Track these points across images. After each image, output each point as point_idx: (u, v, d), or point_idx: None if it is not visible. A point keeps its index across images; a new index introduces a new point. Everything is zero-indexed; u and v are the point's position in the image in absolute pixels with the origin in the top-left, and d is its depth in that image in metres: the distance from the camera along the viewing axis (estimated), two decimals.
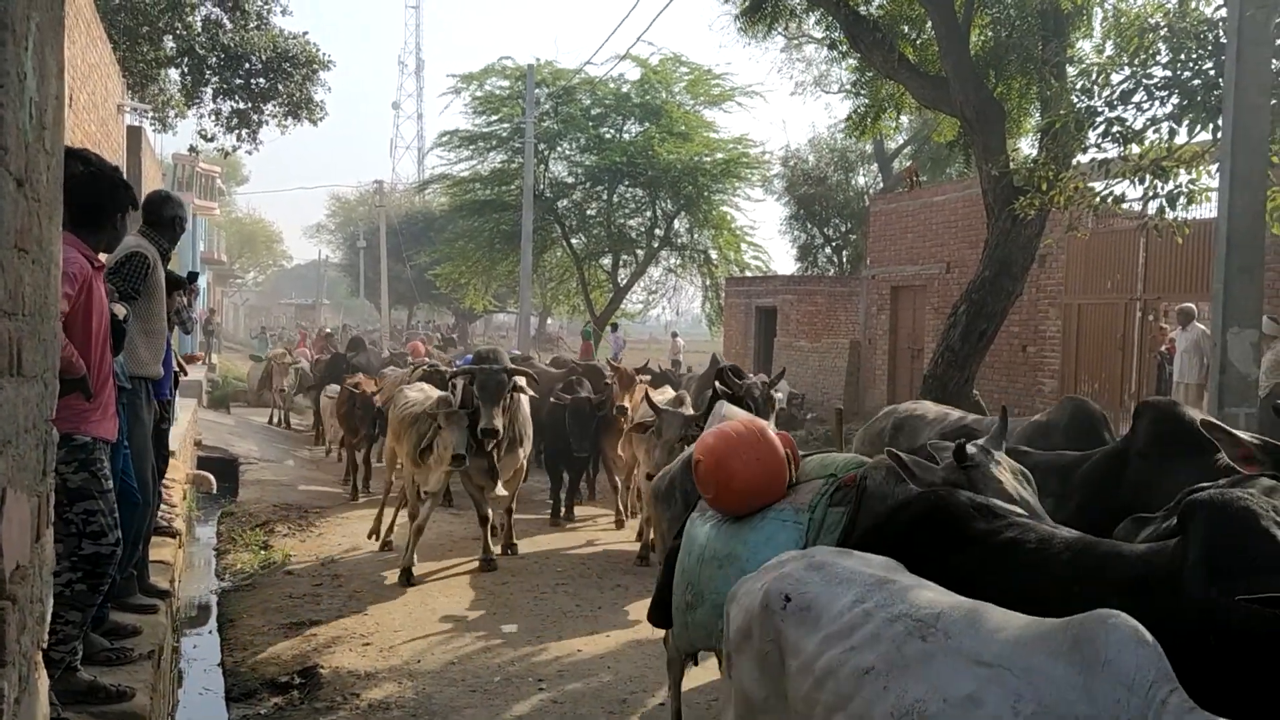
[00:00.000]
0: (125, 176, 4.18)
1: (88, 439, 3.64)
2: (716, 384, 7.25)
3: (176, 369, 6.28)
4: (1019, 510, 3.24)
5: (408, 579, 8.09)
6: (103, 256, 4.07)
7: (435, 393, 8.83)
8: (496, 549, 8.81)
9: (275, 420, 19.94)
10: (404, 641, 6.77)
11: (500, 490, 8.50)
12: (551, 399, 10.45)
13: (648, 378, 11.26)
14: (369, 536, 9.54)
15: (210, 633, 7.54)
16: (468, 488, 8.83)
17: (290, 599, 7.80)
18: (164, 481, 7.07)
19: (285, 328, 50.39)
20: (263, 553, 9.13)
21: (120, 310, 4.05)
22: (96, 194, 3.75)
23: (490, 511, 8.71)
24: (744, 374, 7.94)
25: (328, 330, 34.88)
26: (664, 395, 9.38)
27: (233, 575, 8.77)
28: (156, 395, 5.22)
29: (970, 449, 3.60)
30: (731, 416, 4.61)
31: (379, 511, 9.62)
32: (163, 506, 7.04)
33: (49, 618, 2.20)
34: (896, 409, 7.78)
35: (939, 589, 2.68)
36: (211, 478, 10.51)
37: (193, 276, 5.56)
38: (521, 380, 8.63)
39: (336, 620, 7.23)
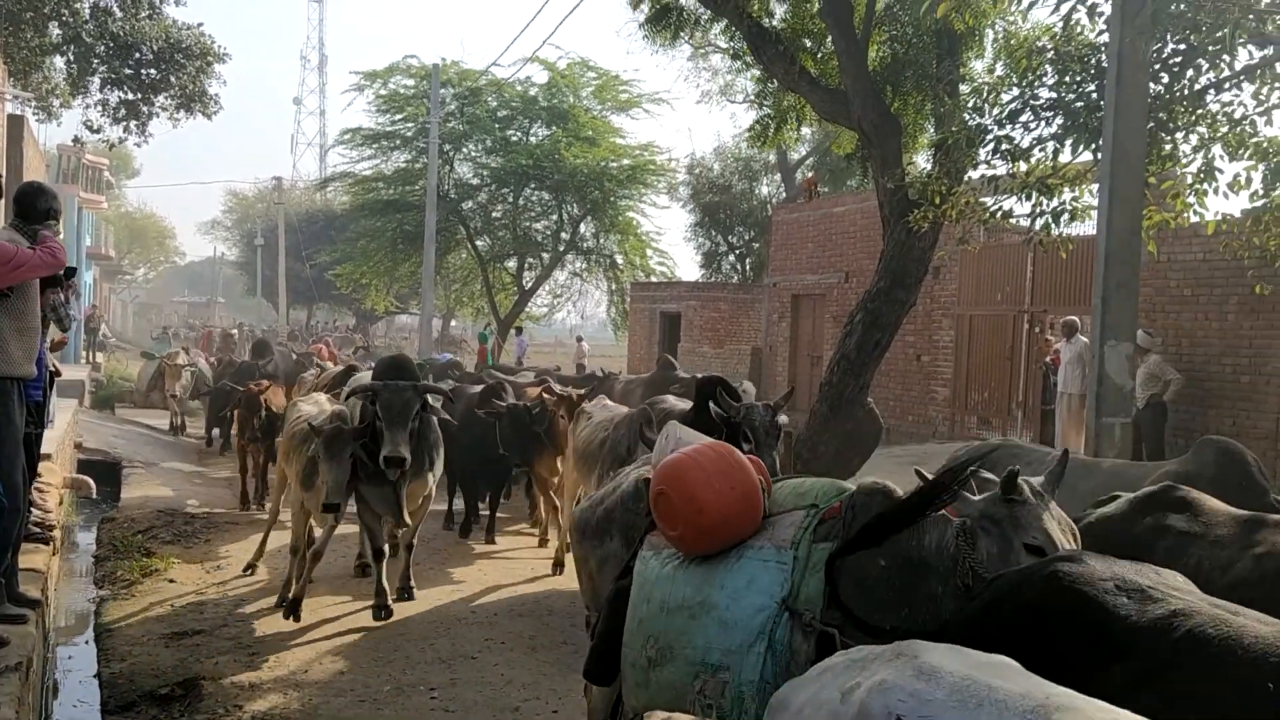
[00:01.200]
0: (3, 167, 4.01)
1: None
2: (711, 405, 6.13)
3: (51, 368, 6.03)
4: (1176, 586, 2.61)
5: (294, 612, 7.07)
6: None
7: (330, 406, 7.92)
8: (393, 592, 7.51)
9: (173, 426, 18.33)
10: (291, 650, 6.63)
11: (406, 520, 7.32)
12: (477, 409, 9.64)
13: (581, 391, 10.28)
14: (245, 570, 8.46)
15: (87, 643, 7.26)
16: (363, 516, 7.52)
17: (172, 608, 7.57)
18: (38, 485, 6.78)
19: (192, 327, 48.19)
20: (144, 560, 8.81)
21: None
22: None
23: (387, 547, 7.43)
24: (738, 392, 6.69)
25: (230, 330, 33.49)
26: (601, 406, 8.70)
27: (112, 583, 8.44)
28: (28, 396, 5.00)
29: (1022, 482, 3.18)
30: (686, 439, 4.05)
31: (263, 537, 8.69)
32: (36, 512, 6.74)
33: None
34: (995, 443, 7.06)
35: None
36: (91, 482, 10.10)
37: (70, 272, 5.34)
38: (435, 399, 7.57)
39: (221, 629, 7.04)
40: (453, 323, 46.09)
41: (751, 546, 3.47)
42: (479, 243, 28.22)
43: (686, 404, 7.49)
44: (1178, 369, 11.90)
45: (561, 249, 28.26)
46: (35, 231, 4.93)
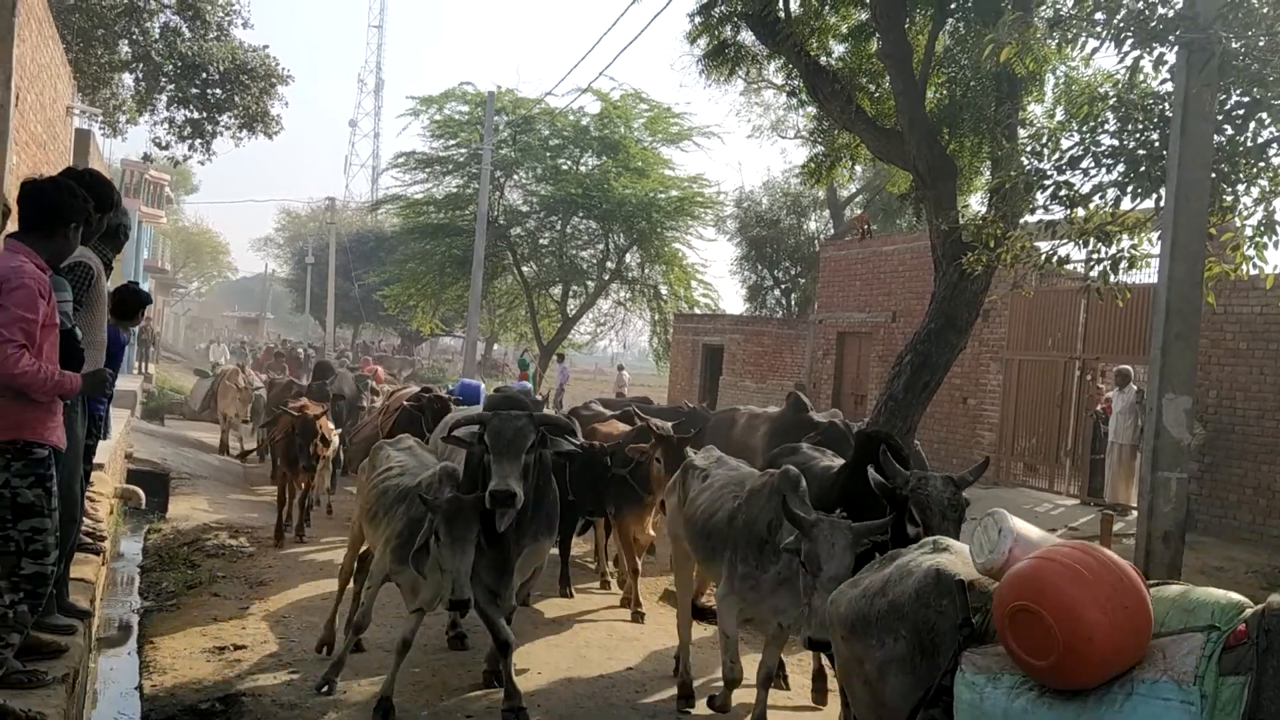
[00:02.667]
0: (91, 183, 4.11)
1: (47, 451, 3.53)
2: (871, 472, 5.15)
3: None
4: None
5: (385, 715, 5.71)
6: None
7: (428, 458, 6.70)
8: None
9: (223, 445, 17.04)
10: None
11: (510, 596, 6.08)
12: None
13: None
14: (318, 649, 6.88)
15: (129, 654, 7.30)
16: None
17: (215, 622, 7.60)
18: (90, 495, 6.88)
19: (242, 341, 48.43)
20: (189, 572, 8.89)
21: (78, 330, 3.97)
22: (54, 204, 3.66)
23: (510, 634, 5.92)
24: (903, 449, 5.60)
25: (274, 347, 33.18)
26: (716, 460, 6.92)
27: (156, 594, 8.52)
28: (92, 408, 5.09)
29: None
30: (1022, 533, 3.31)
31: (333, 609, 7.06)
32: (87, 521, 6.83)
33: None
34: None
35: None
36: (140, 492, 10.23)
37: (144, 299, 5.70)
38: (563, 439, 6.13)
39: (262, 645, 7.06)
40: (495, 346, 46.39)
41: (1140, 680, 2.79)
42: (525, 269, 28.44)
43: (830, 459, 6.77)
44: (1231, 422, 11.71)
45: (607, 278, 28.40)
46: (110, 259, 5.04)
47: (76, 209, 3.89)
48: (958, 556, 3.64)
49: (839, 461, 6.68)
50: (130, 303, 6.22)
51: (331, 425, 11.40)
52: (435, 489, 5.72)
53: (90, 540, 6.78)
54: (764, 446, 10.01)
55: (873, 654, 3.60)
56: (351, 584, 7.05)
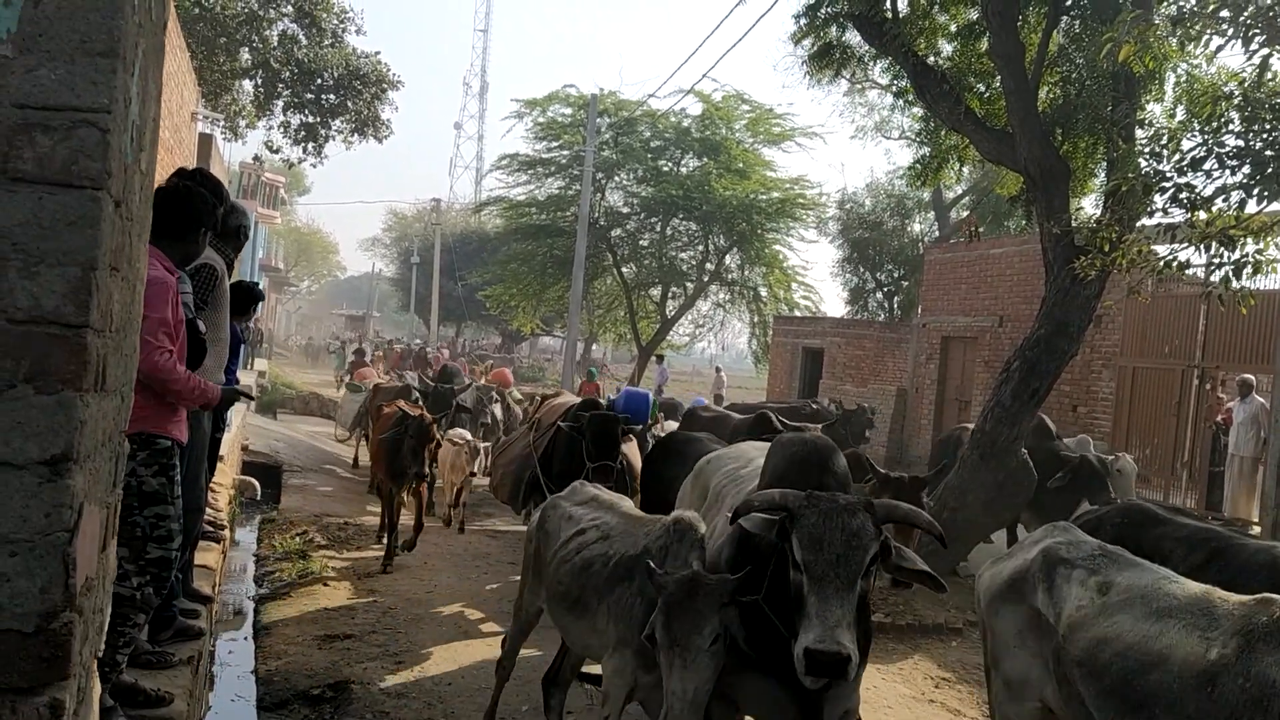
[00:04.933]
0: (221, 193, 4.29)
1: (169, 442, 3.71)
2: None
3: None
4: None
5: None
6: None
7: (626, 504, 5.08)
8: None
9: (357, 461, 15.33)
10: (435, 663, 6.78)
11: None
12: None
13: None
14: None
15: (245, 639, 7.60)
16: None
17: (325, 611, 7.85)
18: (211, 485, 7.18)
19: (374, 339, 48.37)
20: (301, 562, 9.20)
21: (202, 325, 4.15)
22: (188, 209, 3.84)
23: None
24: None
25: (407, 347, 31.28)
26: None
27: (270, 582, 8.85)
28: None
29: None
30: None
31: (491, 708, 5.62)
32: (209, 511, 7.14)
33: (107, 626, 2.24)
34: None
35: None
36: (256, 483, 10.63)
37: (258, 297, 5.85)
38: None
39: (370, 635, 7.27)
40: (594, 347, 46.78)
41: None
42: (625, 270, 28.60)
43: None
44: None
45: (706, 279, 28.37)
46: (231, 259, 5.24)
47: (206, 214, 4.06)
48: None
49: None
50: (243, 298, 6.45)
51: (469, 437, 10.60)
52: (668, 555, 3.96)
53: (212, 529, 7.08)
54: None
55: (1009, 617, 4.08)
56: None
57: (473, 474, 10.94)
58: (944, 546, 4.18)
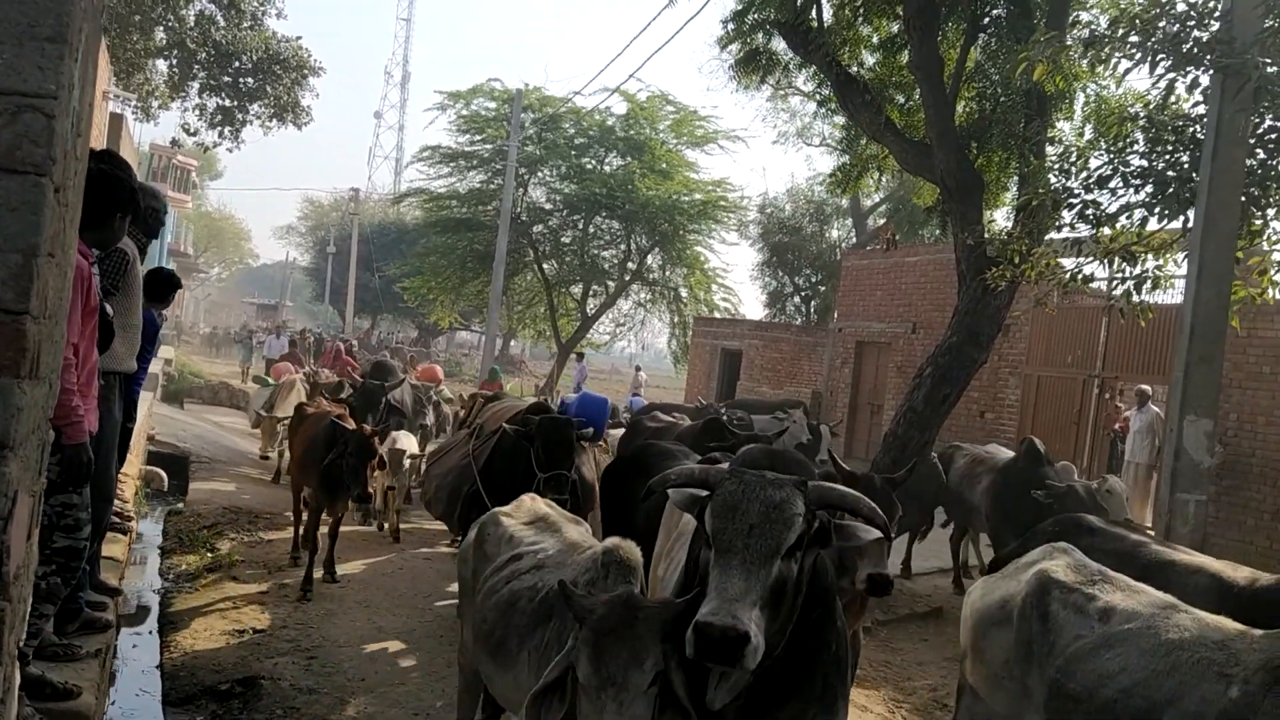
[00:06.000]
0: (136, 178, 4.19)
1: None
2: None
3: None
4: None
5: None
6: None
7: (577, 532, 4.28)
8: None
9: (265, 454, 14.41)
10: (347, 659, 6.70)
11: None
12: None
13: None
14: None
15: (150, 633, 7.41)
16: None
17: (234, 605, 7.70)
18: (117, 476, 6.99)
19: (268, 330, 46.20)
20: (209, 555, 8.99)
21: (110, 309, 4.06)
22: (105, 194, 3.75)
23: None
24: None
25: (341, 342, 29.04)
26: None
27: (177, 576, 8.64)
28: (128, 392, 5.18)
29: None
30: None
31: None
32: (116, 502, 6.95)
33: (27, 616, 2.19)
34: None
35: None
36: (163, 474, 10.36)
37: (175, 285, 5.73)
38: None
39: (281, 630, 7.14)
40: (512, 343, 46.53)
41: None
42: (546, 266, 28.51)
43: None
44: (1251, 446, 11.70)
45: (627, 278, 28.44)
46: (144, 244, 5.12)
47: (124, 199, 3.97)
48: None
49: None
50: (162, 286, 6.31)
51: (408, 440, 9.50)
52: (596, 581, 3.36)
53: (119, 520, 6.90)
54: (986, 505, 8.58)
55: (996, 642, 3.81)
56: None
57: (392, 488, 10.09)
58: (888, 538, 3.75)
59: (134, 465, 9.57)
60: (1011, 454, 9.04)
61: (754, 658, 2.65)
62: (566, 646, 2.95)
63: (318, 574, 8.14)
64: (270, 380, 16.61)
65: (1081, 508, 6.92)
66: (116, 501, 6.98)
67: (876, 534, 3.10)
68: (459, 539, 7.60)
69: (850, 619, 4.50)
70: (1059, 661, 3.42)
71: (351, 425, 8.16)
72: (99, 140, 11.79)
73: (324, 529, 8.42)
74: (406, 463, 9.82)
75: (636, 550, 3.45)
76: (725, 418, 9.60)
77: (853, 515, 3.06)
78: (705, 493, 2.99)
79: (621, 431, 10.85)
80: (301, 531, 8.88)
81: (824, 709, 3.09)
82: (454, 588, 7.45)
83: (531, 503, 4.53)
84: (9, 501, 1.72)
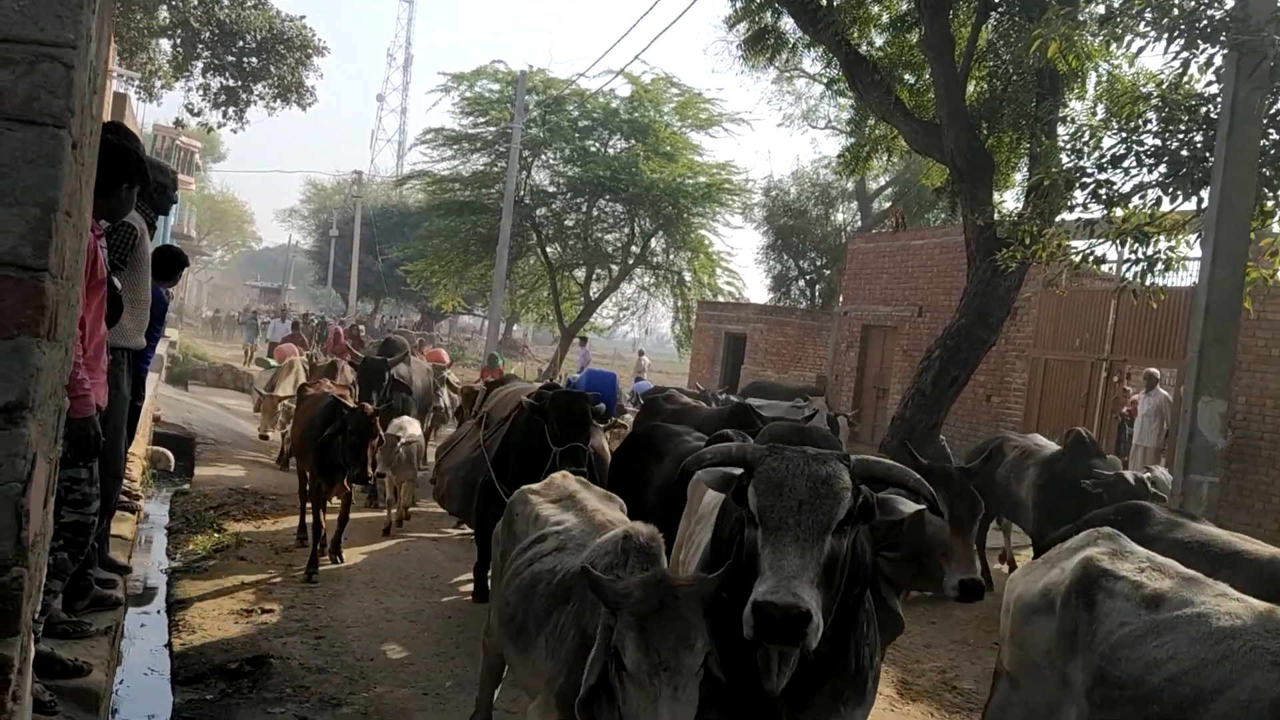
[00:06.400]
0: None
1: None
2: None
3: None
4: None
5: None
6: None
7: (614, 513, 4.06)
8: None
9: (276, 445, 13.81)
10: (357, 639, 6.69)
11: None
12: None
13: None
14: None
15: (159, 613, 7.39)
16: None
17: (242, 585, 7.69)
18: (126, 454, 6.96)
19: (271, 313, 46.04)
20: (216, 535, 8.98)
21: (119, 283, 4.01)
22: (113, 164, 3.70)
23: None
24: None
25: (346, 325, 27.87)
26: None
27: (184, 556, 8.62)
28: (137, 369, 5.14)
29: None
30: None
31: None
32: (125, 481, 6.92)
33: (42, 588, 2.16)
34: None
35: None
36: (170, 455, 10.33)
37: (181, 264, 5.68)
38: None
39: (289, 610, 7.13)
40: (515, 327, 46.48)
41: None
42: (549, 250, 28.43)
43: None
44: (1260, 429, 11.65)
45: (631, 262, 28.36)
46: (152, 219, 5.07)
47: (131, 168, 3.92)
48: None
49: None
50: (170, 263, 6.26)
51: (416, 432, 8.88)
52: (616, 567, 3.16)
53: (127, 499, 6.87)
54: (1034, 499, 8.09)
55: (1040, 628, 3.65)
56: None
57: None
58: (935, 513, 3.59)
59: (140, 445, 9.55)
60: (1057, 447, 8.70)
61: (815, 636, 2.59)
62: (600, 636, 2.82)
63: (322, 558, 8.05)
64: (273, 362, 16.22)
65: (1130, 492, 6.66)
66: (125, 480, 6.95)
67: (917, 507, 3.09)
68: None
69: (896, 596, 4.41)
70: (1103, 649, 3.31)
71: (352, 404, 7.97)
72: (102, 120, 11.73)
73: (333, 515, 8.29)
74: (401, 450, 9.36)
75: (658, 534, 3.34)
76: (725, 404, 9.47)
77: (899, 488, 3.02)
78: (738, 471, 2.91)
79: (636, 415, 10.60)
80: (307, 514, 8.67)
81: (855, 690, 3.08)
82: (465, 576, 7.47)
83: (562, 480, 4.35)
84: (28, 464, 1.68)
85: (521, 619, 3.56)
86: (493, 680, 4.45)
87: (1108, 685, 3.24)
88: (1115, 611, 3.37)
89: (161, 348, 21.30)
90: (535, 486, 4.32)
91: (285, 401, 12.30)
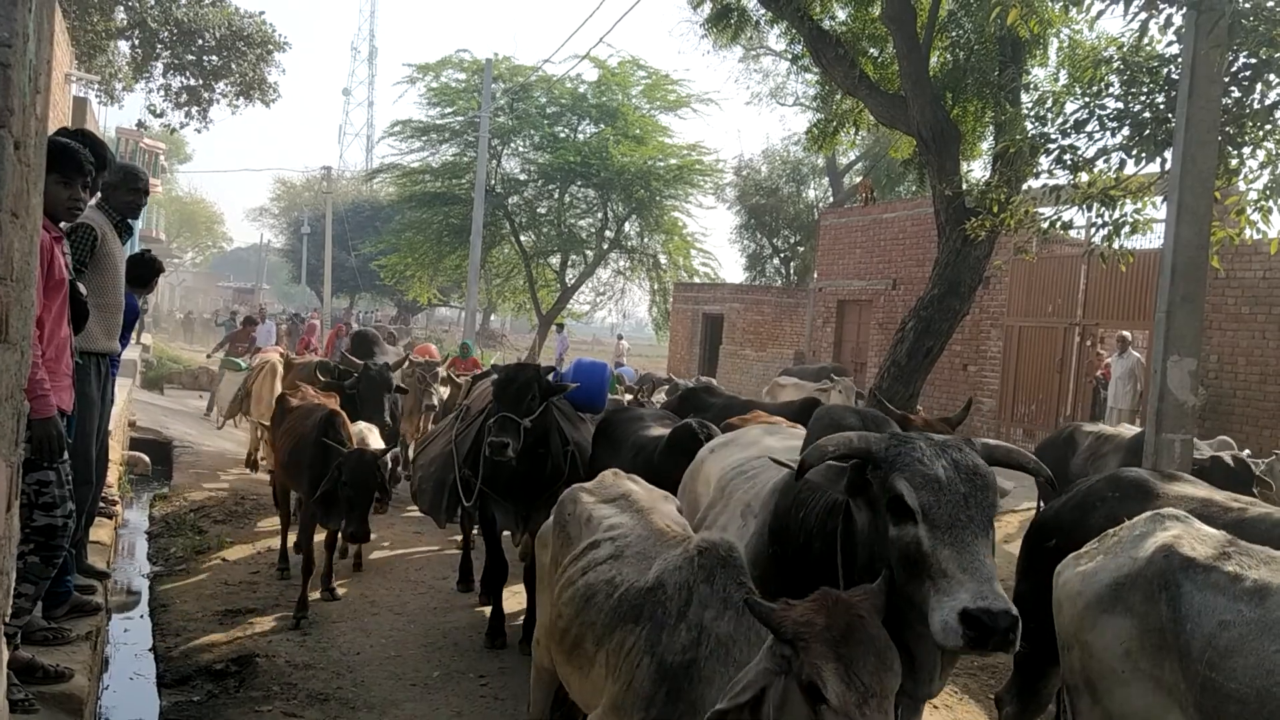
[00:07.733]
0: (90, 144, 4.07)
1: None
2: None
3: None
4: None
5: None
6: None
7: (671, 510, 3.75)
8: None
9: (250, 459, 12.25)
10: (343, 634, 6.68)
11: None
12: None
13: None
14: None
15: (141, 617, 7.36)
16: None
17: (226, 586, 7.66)
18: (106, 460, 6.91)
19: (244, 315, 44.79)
20: (197, 538, 8.94)
21: (83, 287, 3.96)
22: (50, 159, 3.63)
23: None
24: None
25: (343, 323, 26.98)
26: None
27: (165, 560, 8.58)
28: (109, 372, 5.10)
29: None
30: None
31: None
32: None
33: (11, 591, 2.14)
34: None
35: None
36: (147, 459, 10.26)
37: (157, 270, 5.64)
38: None
39: (273, 609, 7.11)
40: (492, 317, 46.35)
41: None
42: (523, 238, 28.37)
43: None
44: (1232, 387, 11.78)
45: (605, 247, 28.35)
46: (117, 220, 5.01)
47: (68, 162, 3.78)
48: None
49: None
50: (144, 269, 6.21)
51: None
52: (696, 584, 2.99)
53: (105, 504, 6.83)
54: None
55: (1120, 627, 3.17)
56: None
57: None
58: (1055, 490, 3.52)
59: (116, 451, 9.47)
60: (1137, 430, 8.13)
61: (1018, 638, 2.44)
62: (758, 677, 2.48)
63: (314, 594, 7.14)
64: (241, 364, 14.76)
65: (1228, 476, 6.08)
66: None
67: (1012, 485, 3.05)
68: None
69: None
70: (1208, 655, 2.85)
71: (345, 424, 7.04)
72: (63, 125, 11.58)
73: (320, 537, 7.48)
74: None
75: (736, 545, 3.09)
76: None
77: (1020, 469, 3.04)
78: (847, 465, 2.77)
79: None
80: (292, 540, 7.88)
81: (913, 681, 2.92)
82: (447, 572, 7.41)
83: (614, 478, 3.98)
84: None
85: (578, 634, 3.30)
86: (544, 694, 4.09)
87: (1222, 698, 2.79)
88: (1209, 608, 2.92)
89: (135, 353, 21.13)
90: (587, 485, 4.00)
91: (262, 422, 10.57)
